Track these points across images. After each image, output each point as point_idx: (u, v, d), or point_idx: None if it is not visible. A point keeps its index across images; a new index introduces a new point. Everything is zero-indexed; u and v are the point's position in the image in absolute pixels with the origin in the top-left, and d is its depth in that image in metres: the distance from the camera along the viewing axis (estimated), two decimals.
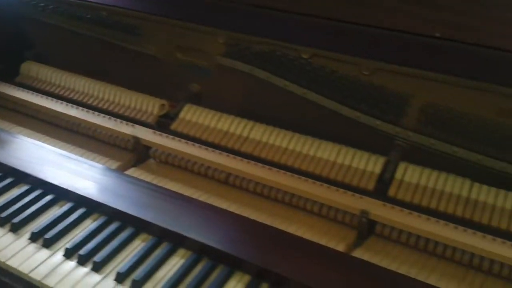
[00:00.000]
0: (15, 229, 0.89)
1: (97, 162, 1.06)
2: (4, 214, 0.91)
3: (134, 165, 1.09)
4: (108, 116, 1.14)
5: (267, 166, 0.99)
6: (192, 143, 1.06)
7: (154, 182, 1.02)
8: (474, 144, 0.93)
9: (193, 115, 1.13)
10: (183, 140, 1.07)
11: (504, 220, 0.86)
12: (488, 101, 0.89)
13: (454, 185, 0.91)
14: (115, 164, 1.08)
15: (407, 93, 0.95)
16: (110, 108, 1.19)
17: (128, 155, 1.11)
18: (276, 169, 0.98)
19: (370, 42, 0.98)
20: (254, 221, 0.91)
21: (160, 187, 0.98)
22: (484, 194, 0.89)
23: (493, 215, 0.87)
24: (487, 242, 0.83)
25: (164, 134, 1.08)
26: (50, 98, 1.22)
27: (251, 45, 1.06)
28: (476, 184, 0.90)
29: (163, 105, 1.18)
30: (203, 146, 1.05)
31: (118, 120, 1.13)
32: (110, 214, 0.92)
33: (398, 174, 0.94)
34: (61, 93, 1.25)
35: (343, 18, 1.01)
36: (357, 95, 1.00)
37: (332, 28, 1.02)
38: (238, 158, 1.02)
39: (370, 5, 0.99)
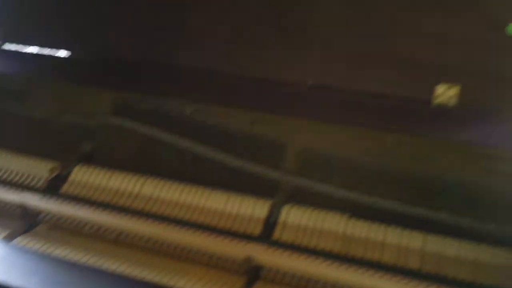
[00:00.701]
0: None
1: None
2: None
3: (24, 232, 1.07)
4: None
5: (157, 221, 1.01)
6: (82, 204, 1.06)
7: (44, 248, 1.01)
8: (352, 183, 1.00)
9: (83, 176, 1.13)
10: (72, 203, 1.06)
11: (387, 255, 0.91)
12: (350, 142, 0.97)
13: (333, 222, 0.97)
14: (2, 234, 1.05)
15: (284, 140, 1.02)
16: None
17: (17, 222, 1.09)
18: (165, 223, 1.00)
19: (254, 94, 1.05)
20: (143, 282, 0.91)
21: (46, 254, 0.97)
22: (364, 229, 0.96)
23: (373, 249, 0.93)
24: (366, 277, 0.87)
25: (53, 198, 1.08)
26: None
27: (138, 103, 1.10)
28: (353, 220, 0.97)
29: (54, 167, 1.17)
30: (93, 207, 1.05)
31: (5, 187, 1.11)
32: None
33: (282, 217, 1.00)
34: None
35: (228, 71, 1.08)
36: (241, 144, 1.05)
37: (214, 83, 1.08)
38: (129, 215, 1.03)
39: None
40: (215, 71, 1.10)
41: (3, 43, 1.34)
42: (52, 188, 1.13)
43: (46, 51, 1.31)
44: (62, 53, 1.30)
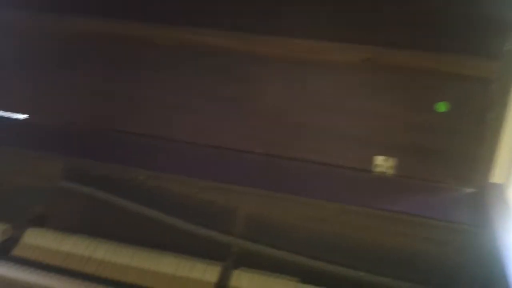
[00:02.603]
0: None
1: None
2: None
3: None
4: None
5: (108, 286, 1.02)
6: (33, 268, 1.06)
7: None
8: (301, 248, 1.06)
9: (35, 239, 1.14)
10: (24, 267, 1.06)
11: None
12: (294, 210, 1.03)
13: (282, 286, 1.01)
14: None
15: (233, 206, 1.07)
16: None
17: None
18: None
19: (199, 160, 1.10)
20: None
21: None
22: None
23: None
24: None
25: (4, 261, 1.07)
26: None
27: (89, 168, 1.13)
28: (301, 285, 1.01)
29: (5, 230, 1.17)
30: (45, 271, 1.05)
31: None
32: None
33: (233, 281, 1.03)
34: None
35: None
36: (191, 209, 1.09)
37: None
38: (79, 279, 1.04)
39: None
40: (163, 138, 1.16)
41: None
42: (3, 250, 1.13)
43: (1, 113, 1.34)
44: (17, 116, 1.34)
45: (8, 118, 1.33)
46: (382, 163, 1.03)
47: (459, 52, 1.00)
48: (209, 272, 1.05)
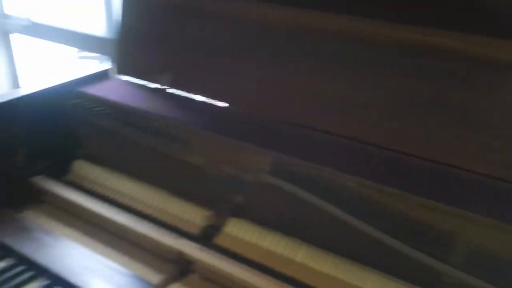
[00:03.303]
0: None
1: (142, 273, 1.08)
2: None
3: (176, 278, 1.11)
4: (153, 225, 1.17)
5: None
6: (234, 260, 1.07)
7: None
8: None
9: (236, 230, 1.16)
10: (226, 257, 1.08)
11: None
12: None
13: None
14: (158, 277, 1.09)
15: (453, 230, 0.96)
16: (155, 215, 1.22)
17: (170, 266, 1.13)
18: None
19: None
20: None
21: None
22: None
23: None
24: None
25: (209, 250, 1.10)
26: (98, 201, 1.26)
27: (298, 168, 1.10)
28: None
29: (207, 216, 1.21)
30: (245, 265, 1.06)
31: (163, 230, 1.15)
32: None
33: None
34: (109, 195, 1.30)
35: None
36: (406, 228, 1.01)
37: (387, 160, 1.07)
38: (279, 281, 1.02)
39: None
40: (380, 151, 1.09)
41: (170, 88, 1.42)
42: (205, 237, 1.17)
43: (210, 100, 1.38)
44: (224, 105, 1.36)
45: (211, 105, 1.37)
46: None
47: None
48: None
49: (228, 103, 1.34)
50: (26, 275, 1.04)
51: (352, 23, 1.14)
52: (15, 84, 2.46)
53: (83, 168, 1.38)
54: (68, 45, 2.34)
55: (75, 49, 2.86)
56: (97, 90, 1.39)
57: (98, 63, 3.12)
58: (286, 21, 1.24)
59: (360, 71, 1.16)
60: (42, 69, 2.71)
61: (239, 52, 1.32)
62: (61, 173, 1.38)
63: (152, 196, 1.26)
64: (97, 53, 2.29)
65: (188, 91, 1.41)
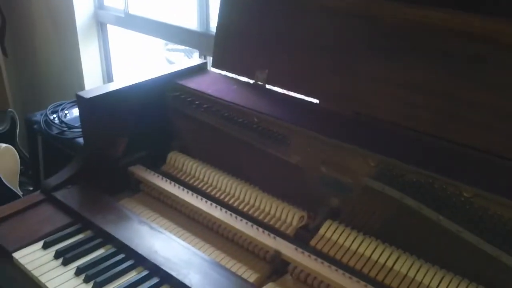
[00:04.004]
0: None
1: (237, 270, 1.07)
2: None
3: (269, 277, 1.09)
4: (250, 223, 1.16)
5: None
6: (330, 265, 1.04)
7: None
8: None
9: (332, 232, 1.12)
10: (320, 260, 1.05)
11: None
12: None
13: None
14: (254, 276, 1.07)
15: None
16: (250, 212, 1.21)
17: (264, 266, 1.11)
18: None
19: None
20: None
21: None
22: None
23: None
24: None
25: (305, 252, 1.07)
26: (193, 193, 1.26)
27: (405, 173, 1.04)
28: None
29: (302, 216, 1.18)
30: (341, 270, 1.02)
31: (260, 229, 1.14)
32: None
33: None
34: (203, 188, 1.30)
35: None
36: None
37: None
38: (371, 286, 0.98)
39: None
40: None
41: (266, 84, 1.40)
42: (300, 238, 1.14)
43: (308, 99, 1.34)
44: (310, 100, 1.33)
45: (303, 100, 1.34)
46: None
47: None
48: None
49: (326, 101, 1.30)
50: (126, 264, 1.06)
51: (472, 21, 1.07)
52: (109, 74, 2.56)
53: (178, 160, 1.39)
54: (160, 37, 2.39)
55: (163, 41, 2.93)
56: (196, 84, 1.40)
57: (184, 56, 3.19)
58: (394, 16, 1.18)
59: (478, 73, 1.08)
60: (132, 60, 2.79)
61: (336, 49, 1.27)
62: (156, 164, 1.41)
63: (246, 192, 1.25)
64: (187, 46, 2.33)
65: (284, 87, 1.39)
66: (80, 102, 1.27)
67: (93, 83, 2.42)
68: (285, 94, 1.38)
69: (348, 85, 1.24)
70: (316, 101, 1.33)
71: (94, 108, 1.27)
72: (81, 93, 1.27)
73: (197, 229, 1.22)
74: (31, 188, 2.22)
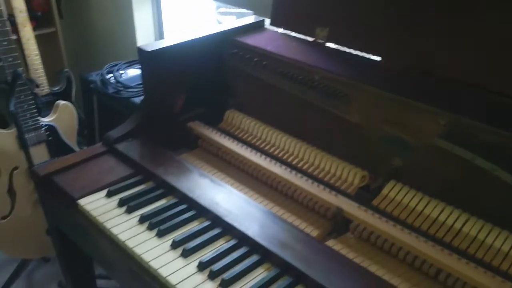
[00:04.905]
0: (225, 285, 0.90)
1: (297, 226, 1.06)
2: (215, 267, 0.93)
3: (329, 235, 1.08)
4: (311, 180, 1.14)
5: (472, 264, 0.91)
6: (394, 223, 1.02)
7: (350, 257, 0.99)
8: None
9: (396, 193, 1.09)
10: (384, 219, 1.03)
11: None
12: None
13: None
14: (314, 232, 1.06)
15: None
16: (310, 170, 1.19)
17: (324, 223, 1.10)
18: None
19: None
20: None
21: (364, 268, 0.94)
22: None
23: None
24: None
25: (369, 210, 1.05)
26: (252, 150, 1.25)
27: (479, 133, 0.99)
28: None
29: (364, 176, 1.15)
30: (406, 229, 1.00)
31: (321, 186, 1.12)
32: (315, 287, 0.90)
33: None
34: (261, 146, 1.29)
35: None
36: None
37: None
38: (439, 246, 0.95)
39: None
40: None
41: (325, 42, 1.36)
42: (361, 197, 1.12)
43: (368, 56, 1.30)
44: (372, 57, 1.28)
45: (365, 58, 1.30)
46: None
47: None
48: None
49: (389, 59, 1.25)
50: (188, 214, 1.07)
51: None
52: (161, 37, 2.56)
53: (235, 118, 1.38)
54: None
55: (214, 5, 2.90)
56: (254, 41, 1.37)
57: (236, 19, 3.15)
58: None
59: None
60: (184, 23, 2.78)
61: (401, 3, 1.21)
62: (213, 122, 1.40)
63: (306, 151, 1.23)
64: (241, 7, 2.29)
65: (345, 45, 1.35)
66: (142, 55, 1.27)
67: None
68: (346, 52, 1.34)
69: (413, 42, 1.19)
70: (378, 58, 1.28)
71: (155, 61, 1.27)
72: (143, 46, 1.27)
73: (256, 185, 1.21)
74: (85, 148, 2.27)
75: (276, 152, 1.26)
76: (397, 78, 1.18)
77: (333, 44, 1.37)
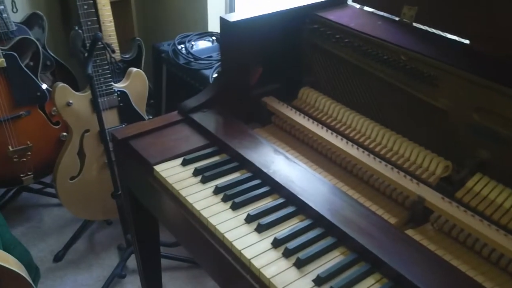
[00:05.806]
0: (300, 264, 0.88)
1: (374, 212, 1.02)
2: (291, 245, 0.91)
3: (407, 224, 1.03)
4: (390, 166, 1.09)
5: None
6: (481, 219, 0.96)
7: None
8: None
9: (482, 186, 1.03)
10: (470, 213, 0.97)
11: None
12: None
13: None
14: (391, 220, 1.02)
15: None
16: (388, 156, 1.14)
17: (402, 211, 1.05)
18: None
19: None
20: None
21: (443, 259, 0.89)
22: None
23: None
24: None
25: (453, 202, 0.99)
26: (328, 130, 1.22)
27: None
28: None
29: (447, 166, 1.09)
30: (494, 226, 0.94)
31: (401, 173, 1.07)
32: (394, 276, 0.86)
33: None
34: (337, 126, 1.25)
35: None
36: None
37: None
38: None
39: None
40: None
41: (412, 22, 1.29)
42: (442, 188, 1.06)
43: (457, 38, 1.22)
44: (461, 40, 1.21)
45: (453, 41, 1.22)
46: None
47: None
48: None
49: (479, 42, 1.17)
50: (262, 190, 1.05)
51: None
52: (232, 10, 2.54)
53: (310, 96, 1.34)
54: None
55: None
56: (336, 17, 1.32)
57: None
58: None
59: None
60: None
61: None
62: (288, 98, 1.37)
63: (384, 135, 1.18)
64: None
65: (433, 26, 1.27)
66: (223, 25, 1.25)
67: (216, 18, 2.42)
68: (434, 33, 1.27)
69: (506, 25, 1.10)
70: (467, 41, 1.20)
71: (236, 32, 1.25)
72: (225, 17, 1.24)
73: (329, 166, 1.18)
74: (151, 117, 2.30)
75: (352, 134, 1.21)
76: (490, 63, 1.11)
77: (420, 24, 1.30)
